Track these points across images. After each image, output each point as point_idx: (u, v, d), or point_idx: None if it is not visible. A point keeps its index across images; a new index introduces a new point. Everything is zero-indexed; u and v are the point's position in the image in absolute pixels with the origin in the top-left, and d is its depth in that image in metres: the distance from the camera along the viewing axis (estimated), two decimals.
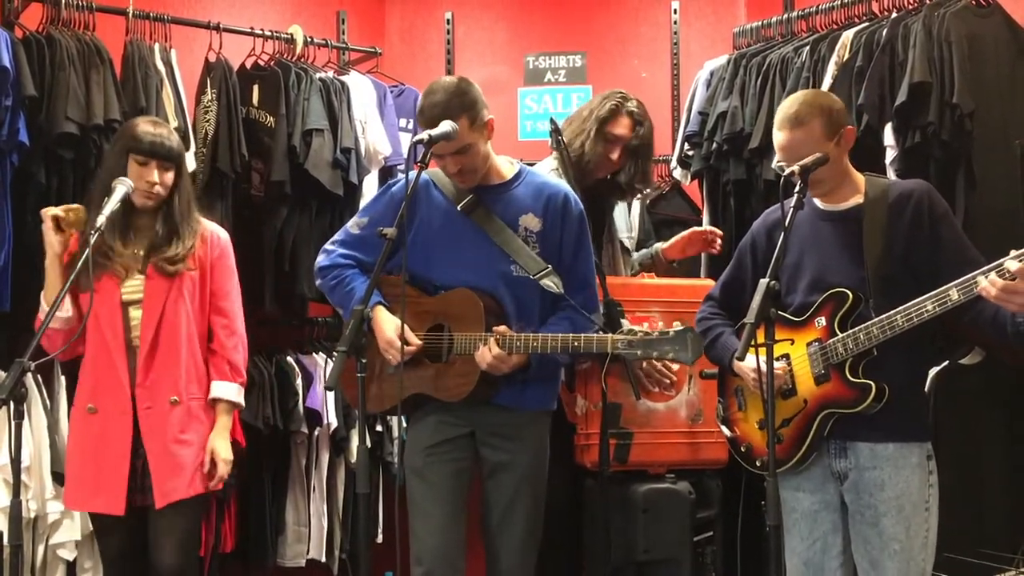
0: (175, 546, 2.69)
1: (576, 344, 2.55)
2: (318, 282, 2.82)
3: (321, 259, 2.81)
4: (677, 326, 2.47)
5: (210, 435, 2.76)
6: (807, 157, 2.32)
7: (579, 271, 2.73)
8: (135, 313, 2.71)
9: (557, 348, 2.56)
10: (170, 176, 2.73)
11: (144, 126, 2.74)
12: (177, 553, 2.69)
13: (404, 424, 2.89)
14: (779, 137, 2.42)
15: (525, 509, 2.69)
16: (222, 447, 2.76)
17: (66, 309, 2.69)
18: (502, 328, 2.59)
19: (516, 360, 2.57)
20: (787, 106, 2.43)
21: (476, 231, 2.67)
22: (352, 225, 2.81)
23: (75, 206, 2.75)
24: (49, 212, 2.71)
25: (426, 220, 2.70)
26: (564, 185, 2.79)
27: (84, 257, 2.48)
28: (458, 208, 2.68)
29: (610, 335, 2.54)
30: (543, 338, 2.56)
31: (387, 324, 2.64)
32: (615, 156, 3.21)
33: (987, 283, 2.13)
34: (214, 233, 2.85)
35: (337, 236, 2.84)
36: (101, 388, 2.71)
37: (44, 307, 2.73)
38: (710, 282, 3.51)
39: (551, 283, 2.64)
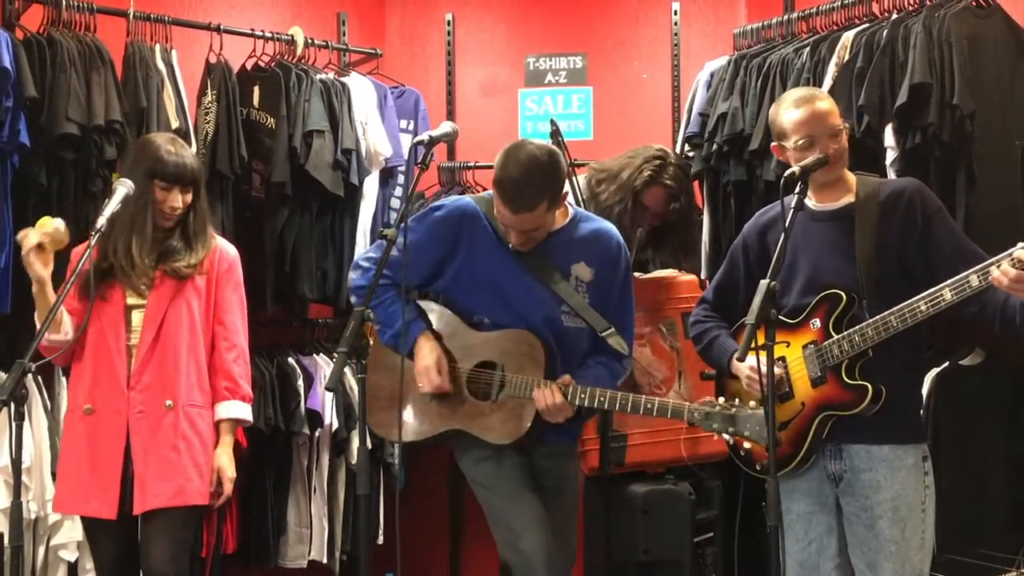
0: (163, 554, 2.65)
1: (649, 407, 2.50)
2: (352, 299, 2.77)
3: (355, 276, 2.74)
4: (752, 404, 2.39)
5: (216, 452, 2.75)
6: (832, 131, 2.36)
7: (621, 318, 2.71)
8: (137, 316, 2.71)
9: (627, 408, 2.52)
10: (189, 197, 2.76)
11: (166, 146, 2.74)
12: (165, 562, 2.64)
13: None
14: (798, 114, 2.42)
15: (574, 530, 2.74)
16: (228, 465, 2.76)
17: (64, 332, 2.66)
18: (567, 378, 2.55)
19: (573, 412, 2.55)
20: (793, 92, 2.50)
21: (525, 273, 2.63)
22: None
23: (49, 226, 2.65)
24: (29, 241, 2.60)
25: (471, 255, 2.64)
26: (614, 231, 2.74)
27: (81, 264, 2.47)
28: (509, 247, 2.62)
29: (687, 404, 2.47)
30: (611, 395, 2.52)
31: (428, 353, 2.61)
32: (651, 221, 3.19)
33: (999, 273, 2.14)
34: (223, 248, 2.86)
35: (372, 252, 2.77)
36: (98, 389, 2.69)
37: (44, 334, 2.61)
38: (689, 276, 3.50)
39: (617, 343, 2.62)
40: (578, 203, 3.06)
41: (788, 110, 2.44)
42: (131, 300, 2.72)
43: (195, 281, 2.76)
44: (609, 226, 2.76)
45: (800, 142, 2.40)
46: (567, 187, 2.60)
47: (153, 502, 2.63)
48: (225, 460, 2.75)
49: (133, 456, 2.65)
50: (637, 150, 3.26)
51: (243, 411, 2.81)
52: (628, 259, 2.73)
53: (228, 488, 2.75)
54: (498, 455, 2.64)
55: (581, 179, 3.27)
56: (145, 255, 2.71)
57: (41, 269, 2.61)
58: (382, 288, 2.67)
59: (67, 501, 2.75)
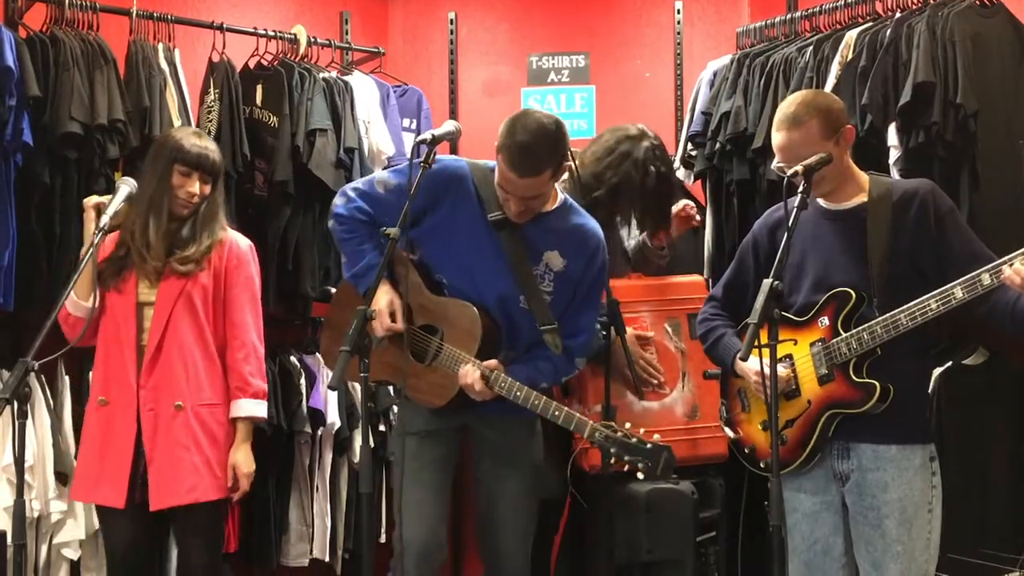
0: (199, 555, 2.78)
1: (556, 414, 2.53)
2: (331, 223, 2.76)
3: (339, 203, 2.73)
4: (657, 439, 2.41)
5: (231, 449, 2.80)
6: (806, 158, 2.30)
7: (583, 318, 2.72)
8: (148, 314, 2.75)
9: (537, 408, 2.55)
10: (208, 188, 2.81)
11: (191, 138, 2.81)
12: (201, 560, 2.78)
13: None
14: (777, 138, 2.41)
15: (521, 489, 2.74)
16: (243, 460, 2.80)
17: (91, 300, 2.68)
18: (493, 363, 2.58)
19: (493, 395, 2.57)
20: (785, 107, 2.42)
21: (496, 249, 2.63)
22: (378, 182, 2.71)
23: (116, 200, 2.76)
24: (91, 202, 2.76)
25: (451, 215, 2.64)
26: (599, 232, 2.73)
27: (90, 254, 2.50)
28: (488, 218, 2.63)
29: (590, 423, 2.49)
30: (527, 393, 2.55)
31: (382, 296, 2.62)
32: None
33: (1011, 271, 2.13)
34: (234, 242, 2.87)
35: (361, 185, 2.74)
36: (111, 383, 2.75)
37: (73, 295, 2.73)
38: (697, 277, 3.51)
39: (551, 341, 2.63)
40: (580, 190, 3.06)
41: (774, 127, 2.43)
42: (143, 297, 2.75)
43: (200, 279, 2.77)
44: (595, 225, 2.75)
45: (780, 164, 2.40)
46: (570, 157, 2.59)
47: (168, 500, 2.69)
48: (240, 457, 2.79)
49: (146, 454, 2.70)
50: (617, 145, 3.13)
51: (255, 408, 2.83)
52: (605, 263, 2.72)
53: (244, 484, 2.79)
54: (427, 435, 2.71)
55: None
56: (160, 240, 2.75)
57: (94, 229, 2.68)
58: (358, 223, 2.69)
59: (80, 489, 2.82)
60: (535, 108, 2.64)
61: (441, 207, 2.63)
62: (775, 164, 2.43)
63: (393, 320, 2.62)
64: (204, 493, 2.72)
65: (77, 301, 2.74)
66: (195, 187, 2.77)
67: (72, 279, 2.49)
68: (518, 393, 2.55)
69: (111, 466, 2.71)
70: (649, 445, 2.40)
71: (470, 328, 2.61)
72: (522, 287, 2.63)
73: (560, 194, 2.70)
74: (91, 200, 2.80)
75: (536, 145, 2.48)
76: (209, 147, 2.82)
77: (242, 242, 2.90)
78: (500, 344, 2.66)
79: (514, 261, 2.62)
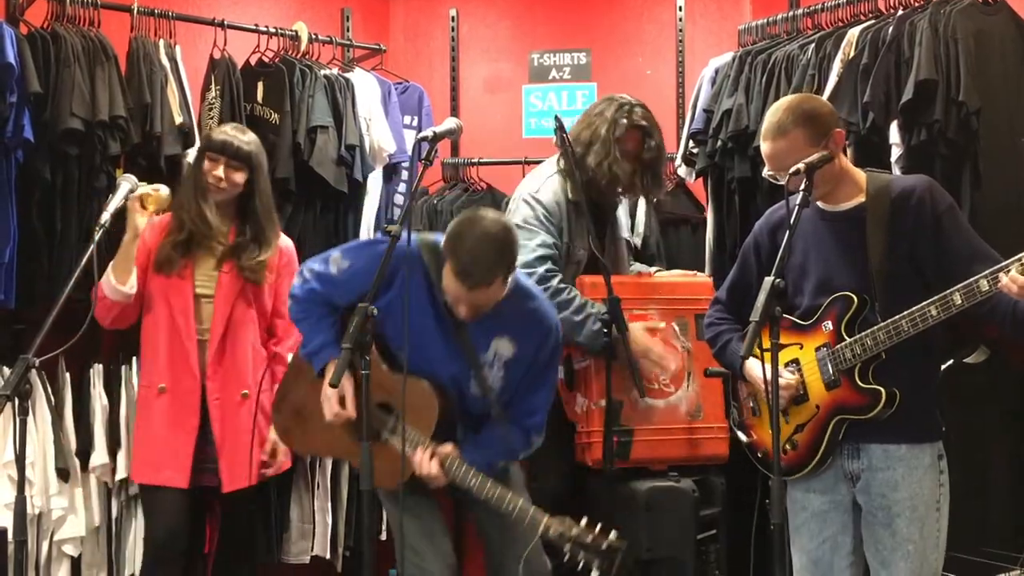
0: (245, 526, 3.10)
1: (511, 508, 2.48)
2: (289, 304, 2.73)
3: (296, 283, 2.69)
4: (612, 538, 2.36)
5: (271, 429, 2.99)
6: (792, 165, 2.26)
7: (537, 397, 2.69)
8: (206, 308, 2.94)
9: (491, 500, 2.50)
10: (240, 176, 2.94)
11: (224, 129, 3.03)
12: (246, 533, 3.11)
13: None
14: (764, 147, 2.40)
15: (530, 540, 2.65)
16: None
17: (131, 286, 2.87)
18: (449, 448, 2.55)
19: (446, 480, 2.55)
20: (771, 115, 2.39)
21: (447, 332, 2.59)
22: (332, 261, 2.65)
23: (157, 186, 2.90)
24: (138, 193, 2.85)
25: (401, 296, 2.53)
26: (553, 316, 2.71)
27: (92, 249, 2.49)
28: (438, 298, 2.57)
29: (544, 520, 2.44)
30: (482, 482, 2.51)
31: (339, 378, 2.52)
32: (633, 166, 3.18)
33: (1008, 280, 2.13)
34: (285, 243, 3.12)
35: (317, 264, 2.67)
36: (174, 371, 2.92)
37: (109, 276, 2.86)
38: (705, 277, 3.51)
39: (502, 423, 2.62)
40: (576, 181, 3.07)
41: (762, 134, 2.41)
42: (200, 289, 2.94)
43: (246, 280, 2.97)
44: (548, 308, 2.72)
45: (769, 171, 2.40)
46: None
47: (239, 482, 2.94)
48: None
49: (216, 440, 2.92)
50: (594, 109, 3.23)
51: None
52: (558, 348, 2.71)
53: (283, 460, 3.05)
54: (411, 501, 2.66)
55: (546, 169, 3.24)
56: (218, 221, 2.94)
57: (139, 219, 2.85)
58: (311, 303, 2.65)
59: (142, 470, 2.98)
60: (482, 211, 2.58)
61: (391, 289, 2.55)
62: (766, 172, 2.42)
63: (343, 406, 2.56)
64: (264, 475, 3.01)
65: (115, 285, 2.85)
66: (220, 171, 2.91)
67: (74, 274, 2.48)
68: (473, 481, 2.53)
69: (175, 450, 2.89)
70: (605, 545, 2.34)
71: (426, 410, 2.58)
72: (472, 370, 2.61)
73: (511, 280, 2.58)
74: (140, 190, 2.86)
75: (484, 256, 2.43)
76: (239, 136, 2.97)
77: (287, 241, 3.14)
78: (455, 422, 2.65)
79: (463, 346, 2.60)
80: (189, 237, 2.91)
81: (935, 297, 2.24)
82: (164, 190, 2.89)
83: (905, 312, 2.28)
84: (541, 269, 3.02)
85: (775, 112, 2.39)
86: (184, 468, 2.88)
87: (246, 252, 2.95)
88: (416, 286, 2.58)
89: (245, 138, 2.97)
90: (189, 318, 2.91)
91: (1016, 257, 2.14)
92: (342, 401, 2.55)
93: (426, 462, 2.53)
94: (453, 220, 2.58)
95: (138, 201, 2.84)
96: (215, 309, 2.93)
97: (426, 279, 2.59)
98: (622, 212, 3.49)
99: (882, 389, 2.33)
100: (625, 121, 3.13)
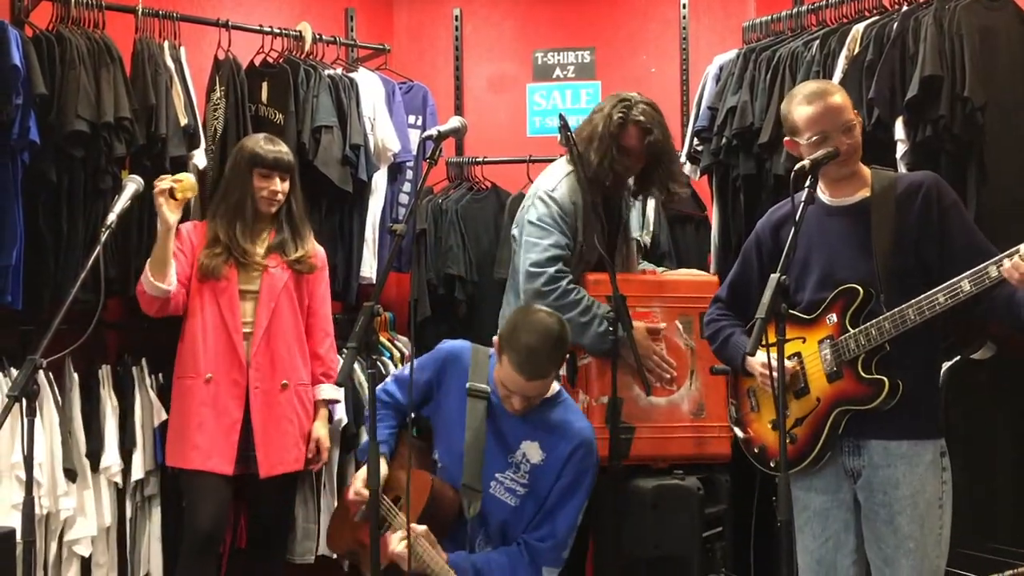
0: (278, 511, 3.28)
1: None
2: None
3: (380, 387, 2.91)
4: None
5: (314, 425, 3.23)
6: (844, 127, 2.34)
7: (558, 521, 2.72)
8: (249, 303, 3.13)
9: None
10: (286, 186, 3.18)
11: (264, 144, 3.18)
12: (278, 517, 3.30)
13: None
14: (808, 111, 2.39)
15: None
16: (326, 436, 3.26)
17: (170, 282, 3.05)
18: (422, 528, 2.59)
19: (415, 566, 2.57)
20: (803, 88, 2.46)
21: (479, 428, 2.70)
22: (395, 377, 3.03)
23: (179, 176, 3.02)
24: (160, 186, 2.97)
25: (447, 395, 2.78)
26: (586, 435, 2.77)
27: (99, 250, 2.50)
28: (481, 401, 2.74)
29: None
30: None
31: (361, 476, 2.74)
32: (634, 163, 3.19)
33: (1010, 266, 2.13)
34: (316, 245, 3.31)
35: (390, 385, 2.96)
36: (219, 361, 3.09)
37: (147, 273, 3.04)
38: (709, 275, 3.51)
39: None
40: (579, 174, 3.09)
41: (800, 105, 2.41)
42: (243, 286, 3.13)
43: (305, 270, 3.19)
44: (585, 426, 2.79)
45: (813, 138, 2.38)
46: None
47: (277, 468, 3.11)
48: (324, 432, 3.26)
49: (253, 427, 3.07)
50: (599, 106, 3.26)
51: (335, 393, 3.34)
52: (594, 465, 2.75)
53: (326, 456, 3.27)
54: None
55: (561, 167, 3.25)
56: (249, 240, 3.13)
57: (168, 214, 2.98)
58: (381, 405, 2.88)
59: (187, 456, 3.08)
60: (537, 308, 2.74)
61: (440, 387, 2.78)
62: (806, 139, 2.40)
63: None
64: (299, 462, 3.17)
65: (153, 282, 3.02)
66: (276, 185, 3.14)
67: (81, 275, 2.47)
68: (435, 571, 2.56)
69: (221, 437, 3.04)
70: None
71: (417, 498, 2.64)
72: (504, 470, 2.70)
73: (555, 385, 2.76)
74: (161, 184, 2.97)
75: (542, 348, 2.59)
76: (282, 149, 3.19)
77: (318, 246, 3.33)
78: (450, 518, 2.70)
79: (489, 445, 2.70)
80: (226, 248, 3.12)
81: (943, 285, 2.24)
82: (189, 177, 3.01)
83: (912, 300, 2.27)
84: (552, 269, 3.02)
85: (805, 86, 2.48)
86: (229, 455, 3.04)
87: (289, 246, 3.17)
88: (457, 384, 2.78)
89: (284, 148, 3.19)
90: (236, 314, 3.10)
91: (1011, 250, 2.14)
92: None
93: (394, 543, 2.60)
94: (510, 318, 2.74)
95: (164, 195, 2.95)
96: (259, 302, 3.13)
97: (467, 376, 2.79)
98: (634, 213, 3.49)
99: (885, 379, 2.33)
100: (621, 117, 3.12)
